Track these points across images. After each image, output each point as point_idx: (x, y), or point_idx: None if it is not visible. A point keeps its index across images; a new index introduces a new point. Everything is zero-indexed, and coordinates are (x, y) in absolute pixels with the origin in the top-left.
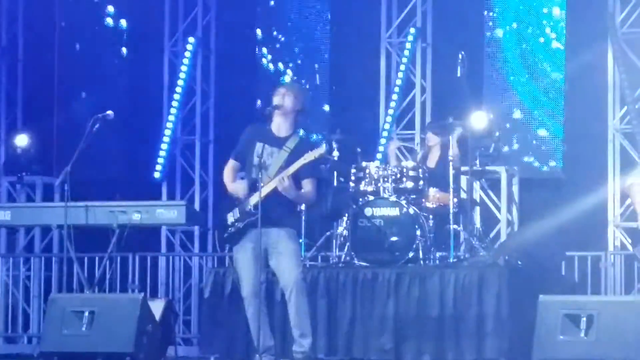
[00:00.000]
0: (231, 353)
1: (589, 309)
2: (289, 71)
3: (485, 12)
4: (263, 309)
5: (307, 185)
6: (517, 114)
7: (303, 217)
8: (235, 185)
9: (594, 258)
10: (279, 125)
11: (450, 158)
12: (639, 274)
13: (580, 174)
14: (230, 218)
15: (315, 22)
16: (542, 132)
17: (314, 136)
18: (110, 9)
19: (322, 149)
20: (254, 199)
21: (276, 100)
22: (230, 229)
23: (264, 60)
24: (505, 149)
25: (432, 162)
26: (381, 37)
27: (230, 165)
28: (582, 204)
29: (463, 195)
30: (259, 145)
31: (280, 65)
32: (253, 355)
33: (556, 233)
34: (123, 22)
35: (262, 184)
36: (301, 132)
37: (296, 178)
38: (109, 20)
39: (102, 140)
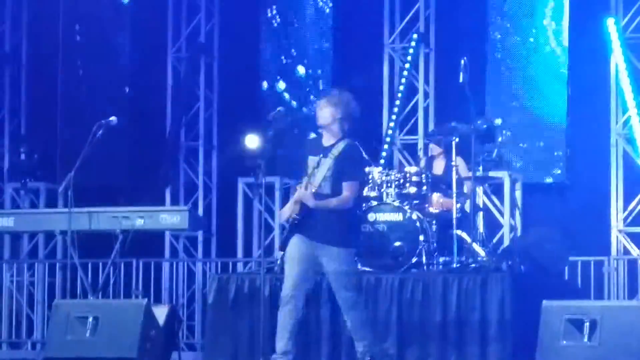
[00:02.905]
0: (235, 358)
1: (592, 314)
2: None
3: (488, 18)
4: (295, 315)
5: (344, 188)
6: (519, 119)
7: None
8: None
9: (597, 263)
10: (326, 135)
11: (453, 164)
12: None
13: (583, 178)
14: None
15: (318, 27)
16: (544, 137)
17: None
18: (118, 17)
19: (330, 160)
20: (294, 209)
21: (317, 111)
22: (284, 234)
23: (267, 67)
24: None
25: (438, 169)
26: (384, 42)
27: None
28: (585, 208)
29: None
30: (310, 159)
31: (283, 71)
32: None
33: (559, 238)
34: (127, 27)
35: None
36: None
37: (337, 183)
38: (113, 25)
39: (106, 146)
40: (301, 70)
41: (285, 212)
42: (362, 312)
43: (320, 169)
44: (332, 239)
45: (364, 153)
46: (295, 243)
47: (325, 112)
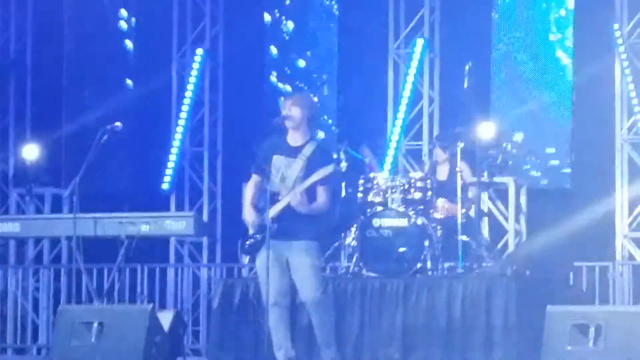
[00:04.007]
0: None
1: (597, 319)
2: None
3: (493, 24)
4: (286, 319)
5: (321, 193)
6: (524, 124)
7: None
8: (246, 212)
9: (602, 268)
10: (293, 135)
11: (458, 169)
12: None
13: (588, 184)
14: (251, 229)
15: (323, 32)
16: (549, 142)
17: None
18: (122, 23)
19: (331, 167)
20: (273, 211)
21: (284, 112)
22: (250, 239)
23: (272, 72)
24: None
25: (442, 175)
26: (389, 48)
27: (253, 180)
28: (590, 214)
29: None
30: (276, 158)
31: (288, 76)
32: None
33: (564, 243)
34: (131, 33)
35: (280, 197)
36: (321, 134)
37: (311, 187)
38: (117, 31)
39: (111, 152)
40: (306, 75)
41: (250, 215)
42: (329, 315)
43: (291, 169)
44: (300, 233)
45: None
46: (273, 253)
47: (295, 112)
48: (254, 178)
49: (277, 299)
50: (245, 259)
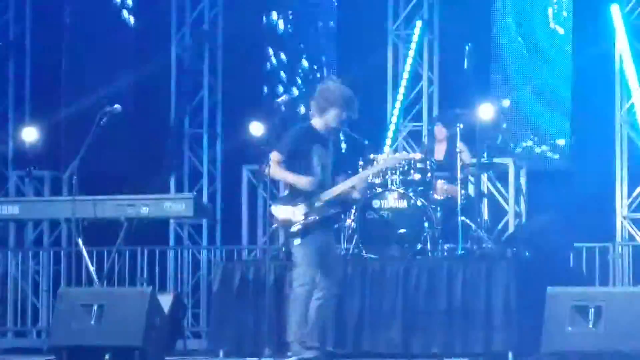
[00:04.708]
0: (240, 346)
1: (598, 300)
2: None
3: (492, 4)
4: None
5: (344, 179)
6: (523, 105)
7: None
8: (300, 179)
9: (602, 249)
10: (318, 124)
11: (457, 150)
12: None
13: (587, 165)
14: (298, 213)
15: (322, 14)
16: (549, 123)
17: None
18: (122, 6)
19: (413, 154)
20: (328, 195)
21: (319, 104)
22: (298, 223)
23: (271, 52)
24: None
25: (439, 154)
26: (388, 29)
27: (277, 159)
28: (590, 195)
29: (471, 187)
30: (316, 147)
31: (287, 58)
32: (262, 348)
33: (564, 224)
34: (130, 15)
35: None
36: None
37: (333, 172)
38: (116, 13)
39: (110, 134)
40: (305, 56)
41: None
42: (334, 308)
43: (328, 158)
44: (339, 221)
45: None
46: (322, 238)
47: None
48: (279, 158)
49: (312, 286)
50: (297, 241)
